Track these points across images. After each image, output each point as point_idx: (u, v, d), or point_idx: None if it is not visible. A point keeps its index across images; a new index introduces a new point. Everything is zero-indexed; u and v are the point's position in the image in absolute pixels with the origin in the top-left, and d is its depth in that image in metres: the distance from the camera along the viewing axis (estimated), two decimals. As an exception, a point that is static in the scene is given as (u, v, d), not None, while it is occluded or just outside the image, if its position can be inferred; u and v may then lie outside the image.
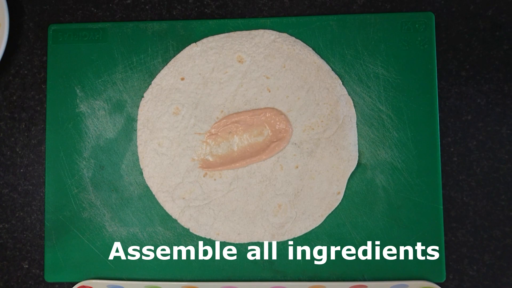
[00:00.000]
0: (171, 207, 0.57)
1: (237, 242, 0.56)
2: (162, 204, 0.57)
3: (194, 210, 0.57)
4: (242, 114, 0.56)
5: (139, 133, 0.57)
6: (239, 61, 0.57)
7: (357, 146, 0.56)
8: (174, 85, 0.57)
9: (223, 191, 0.57)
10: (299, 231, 0.56)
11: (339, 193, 0.56)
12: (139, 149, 0.57)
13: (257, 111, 0.56)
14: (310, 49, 0.57)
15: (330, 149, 0.56)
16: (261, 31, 0.57)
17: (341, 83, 0.57)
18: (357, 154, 0.56)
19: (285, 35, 0.57)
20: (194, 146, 0.57)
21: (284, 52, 0.57)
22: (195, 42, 0.58)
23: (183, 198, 0.57)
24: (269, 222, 0.56)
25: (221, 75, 0.57)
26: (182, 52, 0.58)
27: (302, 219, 0.56)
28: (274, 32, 0.57)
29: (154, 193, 0.57)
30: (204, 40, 0.57)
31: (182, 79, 0.57)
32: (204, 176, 0.57)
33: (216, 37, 0.58)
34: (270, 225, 0.56)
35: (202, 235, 0.57)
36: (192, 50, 0.57)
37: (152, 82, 0.58)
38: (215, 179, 0.57)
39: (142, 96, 0.58)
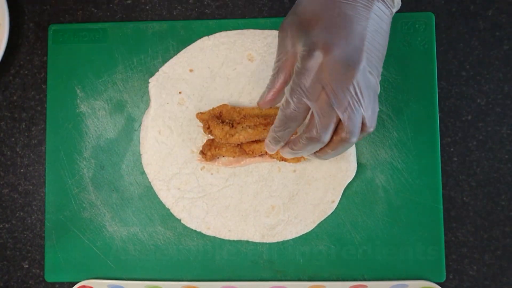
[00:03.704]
0: (165, 196, 0.57)
1: (226, 238, 0.56)
2: (157, 192, 0.57)
3: (188, 201, 0.57)
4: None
5: (143, 117, 0.58)
6: (249, 59, 0.57)
7: (356, 157, 0.56)
8: (181, 76, 0.57)
9: (219, 186, 0.57)
10: (290, 235, 0.56)
11: (333, 201, 0.56)
12: (141, 134, 0.57)
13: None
14: None
15: None
16: (274, 32, 0.57)
17: None
18: (355, 165, 0.56)
19: None
20: (195, 139, 0.57)
21: None
22: (208, 36, 0.58)
23: (178, 189, 0.57)
24: (260, 222, 0.56)
25: (230, 71, 0.57)
26: (193, 44, 0.57)
27: (294, 223, 0.56)
28: None
29: (150, 180, 0.57)
30: (217, 35, 0.57)
31: (191, 70, 0.57)
32: (201, 169, 0.57)
33: (229, 32, 0.57)
34: (261, 225, 0.56)
35: (193, 228, 0.56)
36: (204, 43, 0.57)
37: (160, 69, 0.57)
38: (212, 173, 0.57)
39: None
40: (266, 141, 0.49)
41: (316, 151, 0.47)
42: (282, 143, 0.48)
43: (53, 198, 0.58)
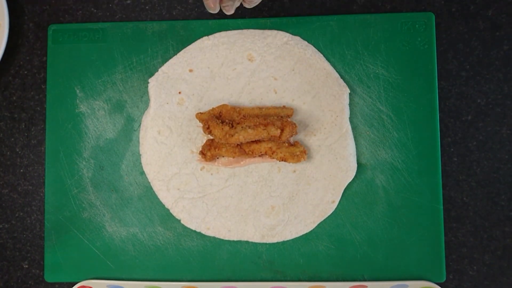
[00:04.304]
0: (165, 197, 0.57)
1: (226, 238, 0.56)
2: (156, 192, 0.57)
3: (188, 202, 0.57)
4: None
5: (143, 117, 0.57)
6: (249, 59, 0.57)
7: (356, 157, 0.56)
8: (181, 76, 0.57)
9: (219, 186, 0.57)
10: (290, 235, 0.56)
11: (333, 202, 0.56)
12: (141, 134, 0.57)
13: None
14: (321, 55, 0.57)
15: (329, 157, 0.56)
16: (274, 32, 0.57)
17: (349, 92, 0.56)
18: (355, 165, 0.56)
19: (298, 38, 0.57)
20: (194, 139, 0.57)
21: (295, 55, 0.57)
22: (207, 36, 0.57)
23: (178, 189, 0.57)
24: (260, 223, 0.56)
25: (230, 71, 0.57)
26: (193, 44, 0.58)
27: (294, 223, 0.56)
28: (287, 34, 0.57)
29: (150, 180, 0.57)
30: (217, 35, 0.57)
31: (191, 70, 0.57)
32: (201, 170, 0.57)
33: (229, 32, 0.57)
34: (261, 225, 0.56)
35: (193, 228, 0.56)
36: (204, 43, 0.57)
37: (159, 69, 0.58)
38: (211, 174, 0.57)
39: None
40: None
41: None
42: None
43: (53, 198, 0.58)
